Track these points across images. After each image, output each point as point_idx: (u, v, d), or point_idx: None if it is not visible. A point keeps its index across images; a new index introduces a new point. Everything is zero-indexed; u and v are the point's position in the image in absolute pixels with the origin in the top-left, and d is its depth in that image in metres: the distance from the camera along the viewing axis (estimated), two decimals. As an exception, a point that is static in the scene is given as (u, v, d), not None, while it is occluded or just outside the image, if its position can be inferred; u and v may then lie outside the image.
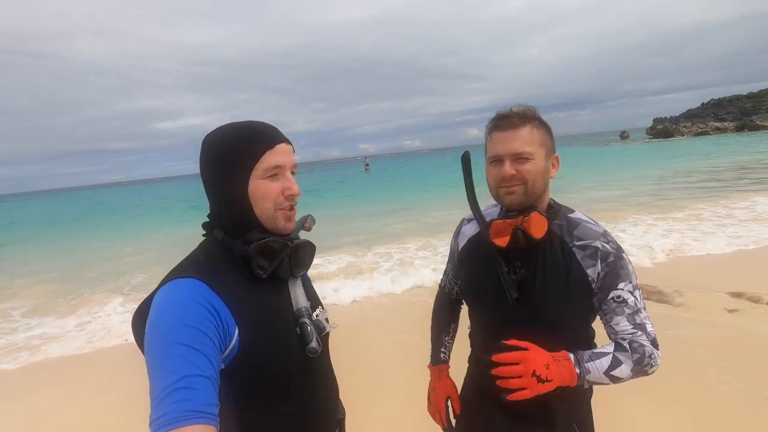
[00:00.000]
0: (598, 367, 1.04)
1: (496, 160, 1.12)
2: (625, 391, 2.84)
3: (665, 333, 3.67)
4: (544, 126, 1.14)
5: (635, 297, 1.09)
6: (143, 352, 0.80)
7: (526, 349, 1.03)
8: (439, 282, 1.54)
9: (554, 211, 1.17)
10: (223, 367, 0.84)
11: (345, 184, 32.61)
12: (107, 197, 55.71)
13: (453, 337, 1.50)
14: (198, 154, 0.95)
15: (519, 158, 1.09)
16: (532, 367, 1.00)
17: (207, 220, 0.98)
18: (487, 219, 1.19)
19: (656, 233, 7.25)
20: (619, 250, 1.10)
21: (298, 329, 0.94)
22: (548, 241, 1.12)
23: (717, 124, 53.30)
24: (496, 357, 1.02)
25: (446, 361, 1.46)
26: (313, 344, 0.93)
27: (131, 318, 0.91)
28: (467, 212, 1.31)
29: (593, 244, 1.09)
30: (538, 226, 1.08)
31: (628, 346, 1.07)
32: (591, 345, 1.20)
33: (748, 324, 3.71)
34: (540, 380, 0.99)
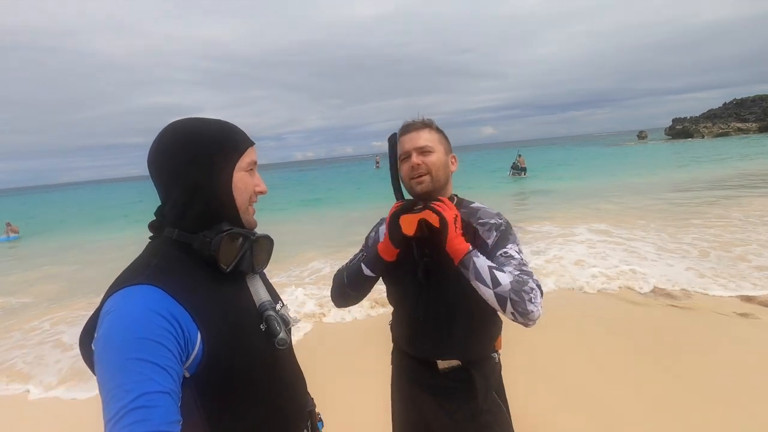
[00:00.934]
0: (484, 261, 1.23)
1: (406, 156, 1.36)
2: (624, 396, 2.88)
3: (673, 333, 3.68)
4: (441, 131, 1.42)
5: (521, 256, 1.30)
6: (94, 373, 0.74)
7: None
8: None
9: (457, 201, 1.45)
10: (187, 375, 0.80)
11: (351, 184, 32.33)
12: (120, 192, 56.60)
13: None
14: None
15: (423, 151, 1.34)
16: (454, 213, 1.28)
17: (153, 219, 0.93)
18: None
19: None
20: (508, 224, 1.38)
21: (262, 325, 0.92)
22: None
23: (739, 125, 51.89)
24: (433, 203, 1.28)
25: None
26: (282, 335, 0.92)
27: (78, 337, 0.84)
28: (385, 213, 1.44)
29: (490, 221, 1.37)
30: (405, 227, 1.29)
31: (513, 273, 1.23)
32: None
33: (755, 328, 3.70)
34: (455, 219, 1.26)
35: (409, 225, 1.29)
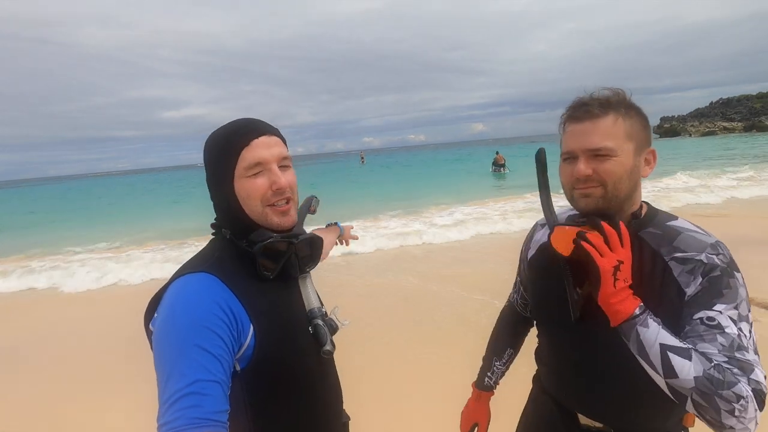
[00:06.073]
0: (659, 333, 0.82)
1: (570, 157, 0.96)
2: None
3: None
4: (636, 114, 0.94)
5: (738, 328, 0.83)
6: (151, 347, 0.79)
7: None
8: (509, 296, 1.43)
9: (647, 217, 0.99)
10: (238, 368, 0.83)
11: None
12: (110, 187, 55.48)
13: (506, 364, 1.39)
14: (203, 145, 0.96)
15: (597, 155, 0.92)
16: (617, 258, 0.86)
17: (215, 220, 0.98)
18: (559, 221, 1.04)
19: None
20: (729, 266, 0.88)
21: (310, 329, 0.94)
22: (637, 254, 0.93)
23: (725, 124, 52.70)
24: (591, 236, 0.88)
25: (490, 389, 1.39)
26: (328, 346, 0.93)
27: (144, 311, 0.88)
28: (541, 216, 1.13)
29: (697, 257, 0.88)
30: (557, 242, 0.95)
31: (712, 360, 0.80)
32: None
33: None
34: (616, 269, 0.85)
35: (562, 240, 0.93)
